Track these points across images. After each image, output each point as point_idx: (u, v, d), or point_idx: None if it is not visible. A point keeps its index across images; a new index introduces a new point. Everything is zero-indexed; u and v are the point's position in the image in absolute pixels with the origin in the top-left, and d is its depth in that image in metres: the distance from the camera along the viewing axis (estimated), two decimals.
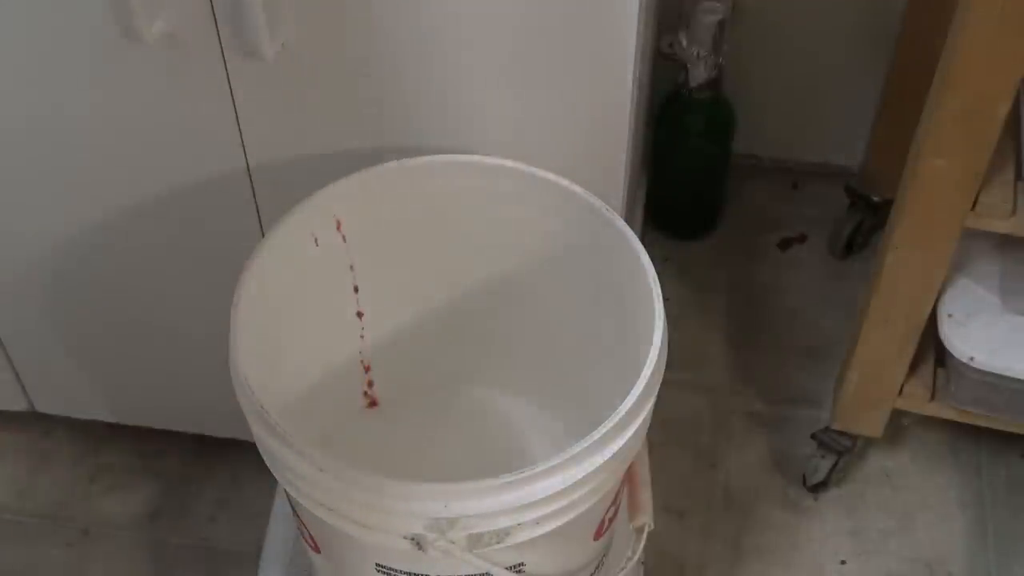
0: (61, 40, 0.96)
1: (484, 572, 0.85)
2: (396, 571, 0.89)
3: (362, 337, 1.09)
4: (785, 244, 1.69)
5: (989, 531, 1.40)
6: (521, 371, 1.15)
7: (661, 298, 0.89)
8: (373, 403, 1.16)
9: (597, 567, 1.01)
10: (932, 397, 1.28)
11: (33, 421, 1.45)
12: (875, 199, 1.58)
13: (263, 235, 0.98)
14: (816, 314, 1.61)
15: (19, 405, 1.39)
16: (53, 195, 1.11)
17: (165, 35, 0.93)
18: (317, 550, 0.98)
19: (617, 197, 1.04)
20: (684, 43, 1.47)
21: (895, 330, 1.21)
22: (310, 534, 0.96)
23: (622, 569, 0.98)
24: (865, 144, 1.57)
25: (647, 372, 0.85)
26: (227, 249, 1.03)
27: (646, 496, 1.01)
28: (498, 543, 0.82)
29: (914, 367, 1.27)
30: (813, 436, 1.40)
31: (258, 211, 1.09)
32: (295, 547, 1.16)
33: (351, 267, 1.03)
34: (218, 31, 0.93)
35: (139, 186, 1.09)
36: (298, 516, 0.96)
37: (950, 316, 1.20)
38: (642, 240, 0.94)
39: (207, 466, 1.45)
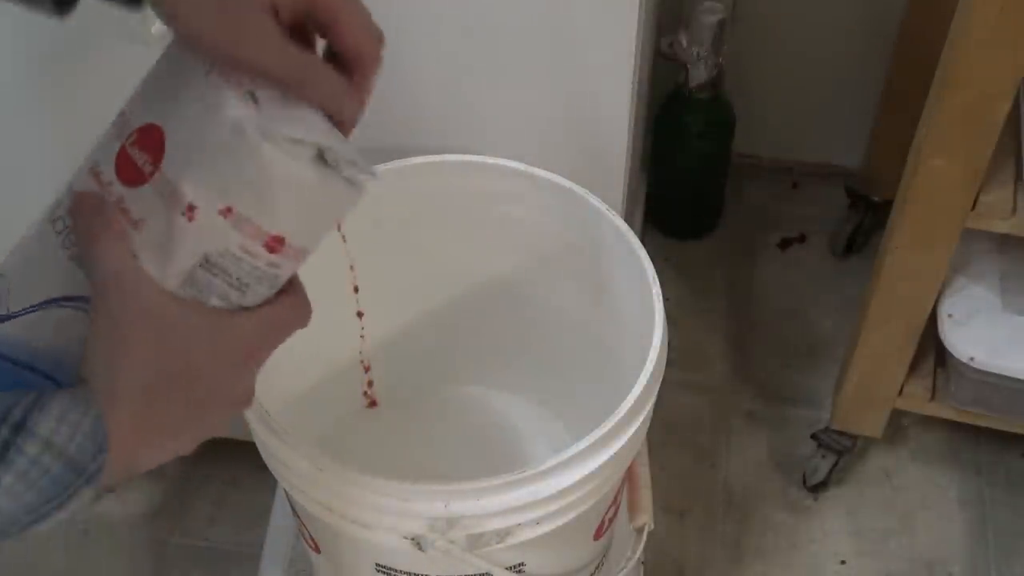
0: (62, 41, 0.96)
1: (484, 572, 0.85)
2: (396, 571, 0.89)
3: (362, 337, 1.09)
4: (785, 244, 1.69)
5: (989, 531, 1.40)
6: (521, 371, 1.14)
7: (661, 298, 0.89)
8: (373, 403, 1.16)
9: (597, 567, 1.01)
10: (932, 397, 1.28)
11: None
12: (875, 199, 1.58)
13: None
14: (816, 314, 1.61)
15: None
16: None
17: (164, 36, 0.93)
18: (317, 550, 0.97)
19: (617, 197, 1.04)
20: (684, 43, 1.47)
21: (895, 330, 1.21)
22: (310, 534, 0.96)
23: (622, 569, 0.98)
24: (865, 144, 1.57)
25: (647, 372, 0.85)
26: None
27: (646, 496, 1.01)
28: (498, 543, 0.82)
29: (914, 367, 1.27)
30: (813, 436, 1.40)
31: None
32: (295, 547, 1.16)
33: (351, 267, 1.03)
34: None
35: None
36: (298, 516, 0.96)
37: (950, 316, 1.20)
38: (642, 240, 0.94)
39: (207, 466, 1.45)
